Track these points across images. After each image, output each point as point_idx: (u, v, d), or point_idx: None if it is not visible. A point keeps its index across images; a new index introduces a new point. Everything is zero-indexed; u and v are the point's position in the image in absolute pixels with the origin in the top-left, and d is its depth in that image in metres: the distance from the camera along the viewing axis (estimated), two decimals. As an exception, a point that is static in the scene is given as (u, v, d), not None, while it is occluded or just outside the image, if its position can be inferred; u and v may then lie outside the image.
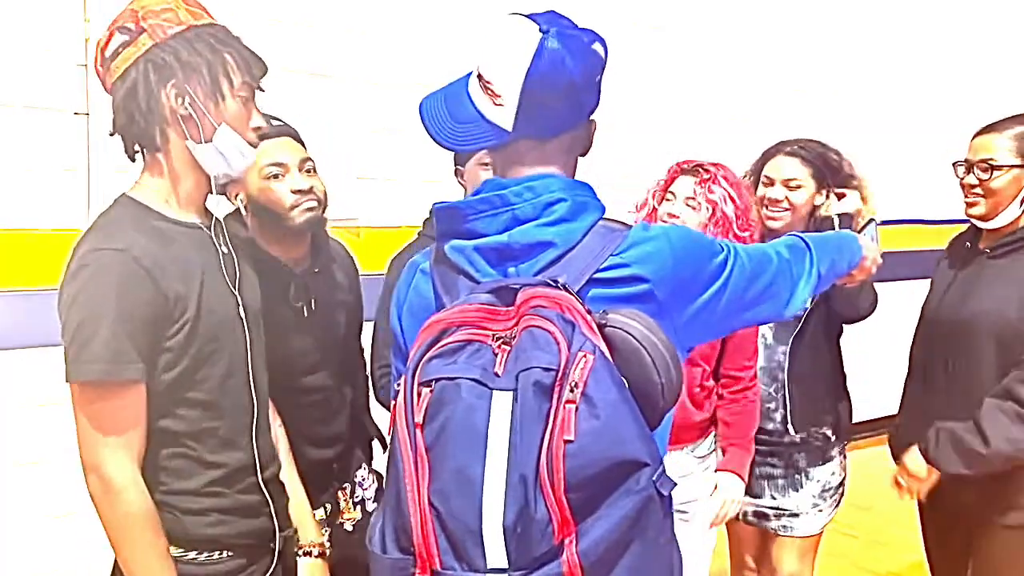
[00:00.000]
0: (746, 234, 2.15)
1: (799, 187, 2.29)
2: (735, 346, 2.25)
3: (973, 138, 2.19)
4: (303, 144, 1.94)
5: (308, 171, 1.91)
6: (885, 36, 5.32)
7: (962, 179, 2.18)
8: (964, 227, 2.32)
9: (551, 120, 1.20)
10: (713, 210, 2.13)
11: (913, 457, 2.12)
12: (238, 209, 1.89)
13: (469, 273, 1.20)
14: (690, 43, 4.43)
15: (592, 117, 1.26)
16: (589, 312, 1.07)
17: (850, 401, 2.45)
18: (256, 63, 1.52)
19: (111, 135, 1.48)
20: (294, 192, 1.86)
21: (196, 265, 1.45)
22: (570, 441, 0.98)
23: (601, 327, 1.07)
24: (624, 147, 3.98)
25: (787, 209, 2.29)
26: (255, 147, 1.52)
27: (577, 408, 0.99)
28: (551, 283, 1.08)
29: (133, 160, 1.50)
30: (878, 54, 5.29)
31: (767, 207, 2.31)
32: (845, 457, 2.45)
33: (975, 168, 2.13)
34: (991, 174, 2.10)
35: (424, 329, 1.10)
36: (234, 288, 1.52)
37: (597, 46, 1.21)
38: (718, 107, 4.49)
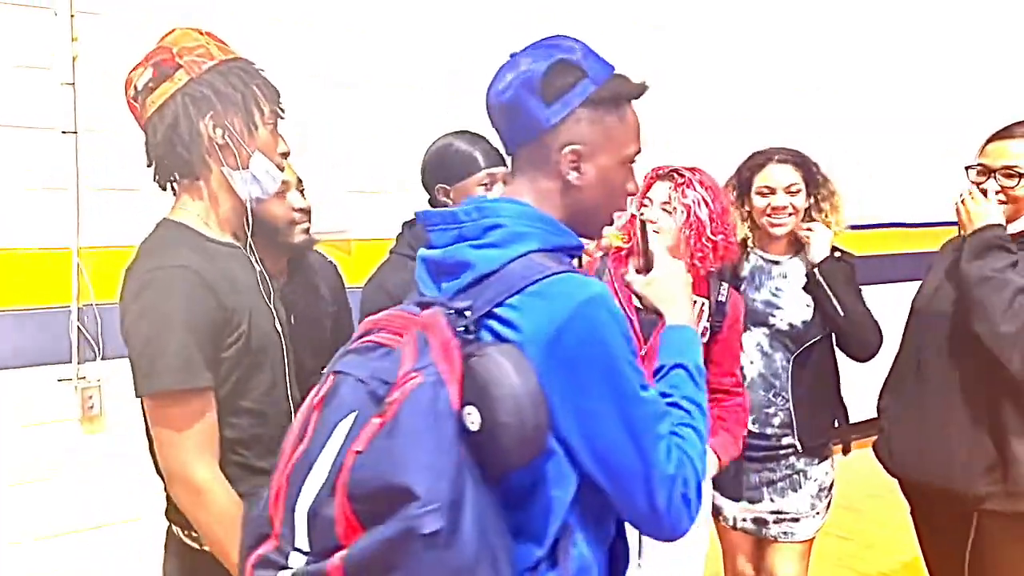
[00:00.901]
0: (719, 237, 2.15)
1: (798, 191, 2.39)
2: (717, 359, 2.22)
3: (988, 143, 2.18)
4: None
5: (302, 192, 1.99)
6: (885, 36, 5.29)
7: (979, 184, 2.15)
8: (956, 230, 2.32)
9: (504, 139, 1.29)
10: (688, 213, 2.14)
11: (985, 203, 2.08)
12: None
13: (417, 282, 1.29)
14: (690, 43, 4.42)
15: (566, 145, 1.24)
16: (463, 339, 1.11)
17: (846, 408, 2.49)
18: (277, 92, 1.61)
19: (148, 166, 1.56)
20: (295, 210, 1.95)
21: (242, 281, 1.55)
22: (360, 452, 1.03)
23: (469, 356, 1.08)
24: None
25: (791, 214, 2.38)
26: (282, 171, 1.62)
27: (382, 424, 1.04)
28: (448, 306, 1.15)
29: (164, 189, 1.58)
30: (878, 54, 5.26)
31: (771, 216, 2.39)
32: (833, 457, 2.48)
33: (996, 174, 2.11)
34: (1018, 181, 2.09)
35: (360, 325, 1.22)
36: (269, 303, 1.61)
37: (536, 64, 1.22)
38: (718, 107, 4.47)
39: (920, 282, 2.36)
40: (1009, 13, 5.93)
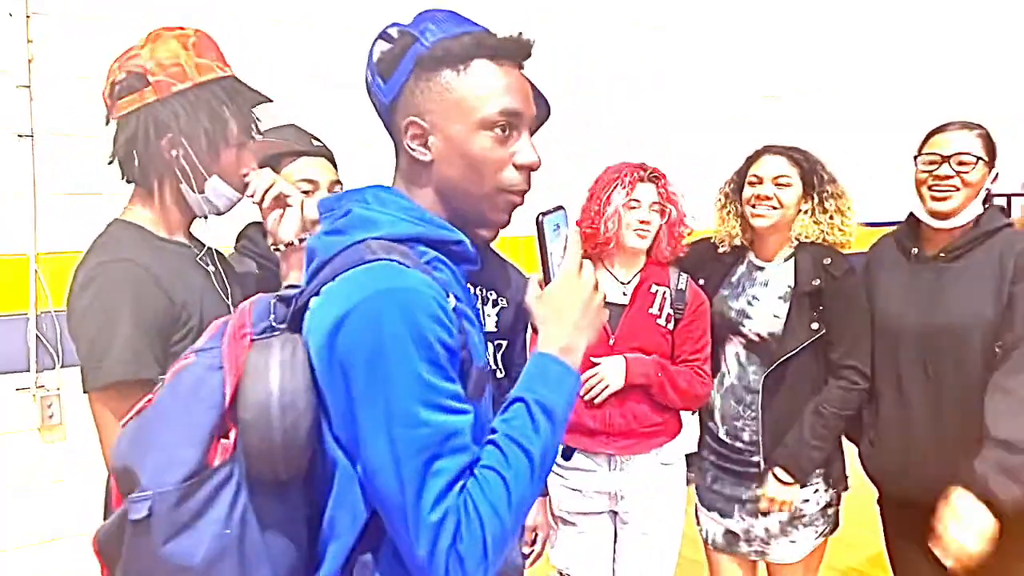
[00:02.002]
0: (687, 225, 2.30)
1: (788, 185, 2.24)
2: (679, 349, 2.25)
3: (928, 139, 2.18)
4: (335, 166, 1.96)
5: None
6: (886, 36, 5.23)
7: (932, 172, 2.13)
8: (888, 230, 2.30)
9: None
10: (676, 209, 2.26)
11: (967, 505, 1.85)
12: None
13: None
14: (690, 43, 4.38)
15: (408, 126, 1.10)
16: (273, 327, 1.04)
17: (843, 451, 2.28)
18: (251, 114, 1.57)
19: (109, 163, 1.54)
20: None
21: (194, 278, 1.52)
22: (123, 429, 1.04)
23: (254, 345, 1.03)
24: (624, 146, 3.96)
25: (775, 208, 2.23)
26: (242, 191, 1.57)
27: (147, 403, 1.02)
28: (280, 296, 1.08)
29: (124, 180, 1.56)
30: (879, 55, 5.20)
31: (754, 205, 2.25)
32: (832, 488, 2.26)
33: (950, 161, 2.11)
34: (975, 166, 2.09)
35: None
36: (230, 304, 1.56)
37: (375, 43, 1.15)
38: (718, 108, 4.42)
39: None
40: (1008, 14, 5.90)
